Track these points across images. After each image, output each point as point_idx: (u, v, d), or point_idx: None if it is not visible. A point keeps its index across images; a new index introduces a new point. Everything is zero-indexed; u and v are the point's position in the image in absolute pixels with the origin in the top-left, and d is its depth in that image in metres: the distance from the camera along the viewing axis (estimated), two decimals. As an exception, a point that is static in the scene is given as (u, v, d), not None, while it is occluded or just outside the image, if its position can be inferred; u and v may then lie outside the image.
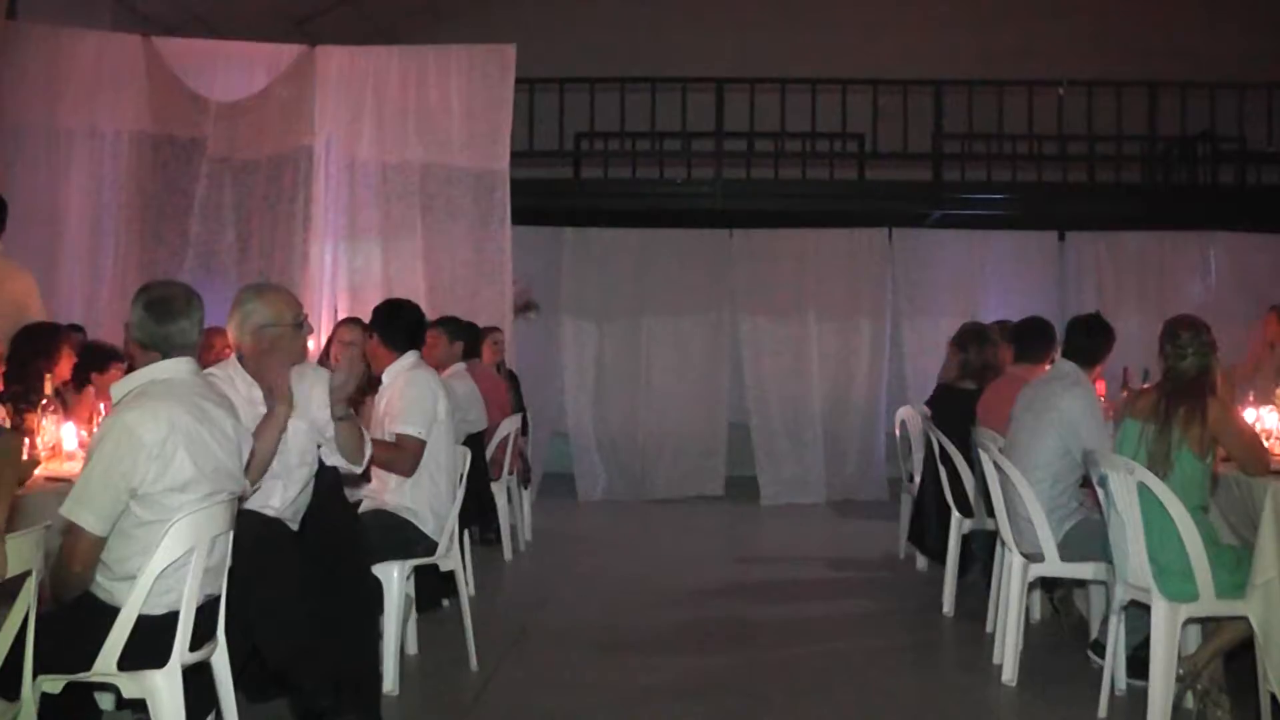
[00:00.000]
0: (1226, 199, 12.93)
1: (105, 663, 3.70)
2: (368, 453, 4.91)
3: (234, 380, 4.62)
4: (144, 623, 3.71)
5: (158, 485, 3.72)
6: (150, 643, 3.73)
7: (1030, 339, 7.00)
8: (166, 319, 3.93)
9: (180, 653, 3.78)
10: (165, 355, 3.95)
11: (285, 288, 5.09)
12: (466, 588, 6.32)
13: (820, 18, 14.96)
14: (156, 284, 4.13)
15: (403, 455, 5.54)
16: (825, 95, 12.74)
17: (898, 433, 8.93)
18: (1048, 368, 6.91)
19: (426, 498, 5.63)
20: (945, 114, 12.67)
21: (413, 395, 5.64)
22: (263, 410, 4.59)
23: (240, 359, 4.67)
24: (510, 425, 8.60)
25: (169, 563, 3.72)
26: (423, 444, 5.57)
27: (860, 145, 13.11)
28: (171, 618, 3.77)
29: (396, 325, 5.93)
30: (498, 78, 9.81)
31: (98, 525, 3.68)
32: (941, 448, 7.28)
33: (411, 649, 6.04)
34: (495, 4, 14.91)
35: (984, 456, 6.07)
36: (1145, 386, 6.00)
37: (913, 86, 12.61)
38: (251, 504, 4.47)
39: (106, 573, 3.78)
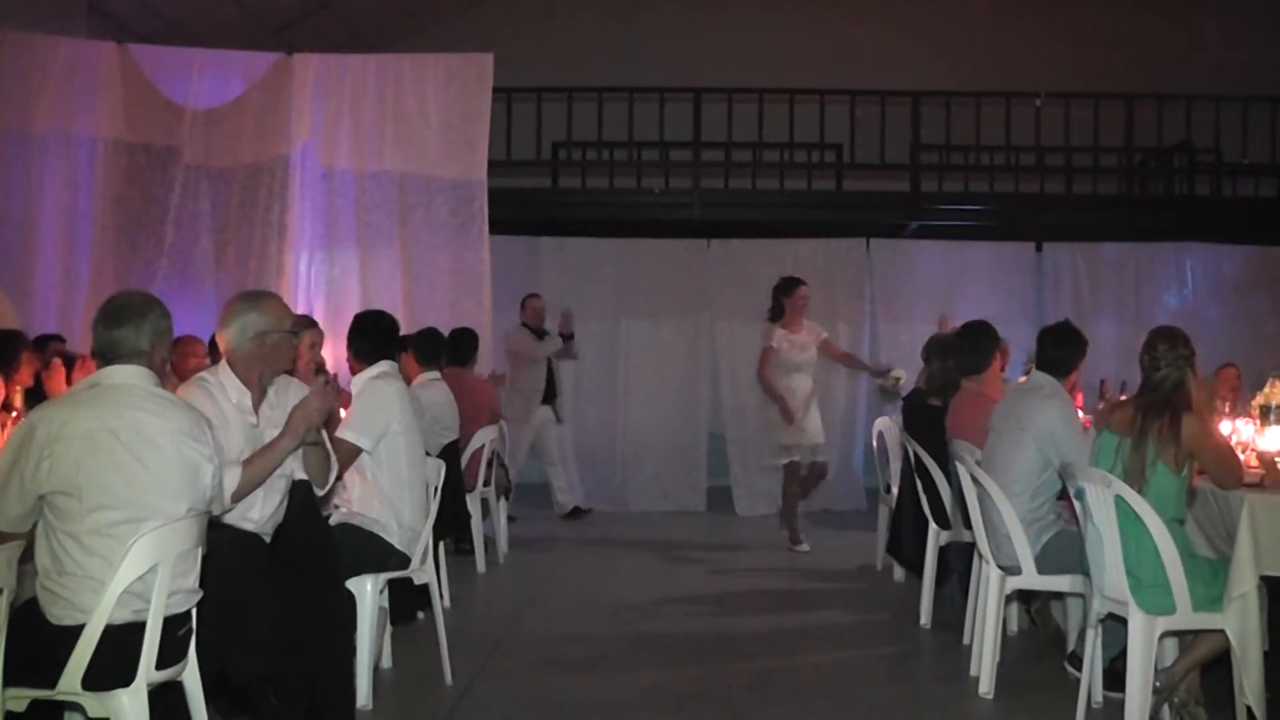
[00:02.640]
0: (1202, 210, 12.97)
1: (69, 681, 3.64)
2: (333, 475, 4.88)
3: (225, 387, 4.58)
4: (108, 634, 3.66)
5: (48, 485, 3.69)
6: (115, 659, 3.68)
7: (969, 350, 6.98)
8: (113, 326, 3.90)
9: (146, 670, 3.72)
10: (109, 362, 3.91)
11: (277, 294, 5.05)
12: (441, 600, 6.29)
13: (798, 28, 14.98)
14: (119, 293, 4.11)
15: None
16: (803, 105, 12.73)
17: (875, 444, 8.91)
18: (1017, 376, 6.92)
19: (390, 510, 5.60)
20: (923, 125, 12.67)
21: (360, 405, 5.64)
22: (252, 420, 4.58)
23: (231, 365, 4.62)
24: (485, 436, 8.57)
25: (132, 579, 3.67)
26: (356, 451, 5.54)
27: (838, 156, 13.09)
28: (134, 629, 3.72)
29: (361, 336, 5.97)
30: (475, 87, 9.79)
31: (8, 523, 3.71)
32: (917, 459, 7.27)
33: (385, 662, 5.99)
34: (473, 13, 14.89)
35: (961, 469, 6.06)
36: (1122, 398, 6.00)
37: (890, 97, 12.61)
38: (230, 517, 4.43)
39: (57, 589, 3.73)
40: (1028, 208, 12.92)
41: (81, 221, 9.58)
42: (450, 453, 7.55)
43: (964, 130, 12.68)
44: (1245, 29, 14.36)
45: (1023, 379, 7.08)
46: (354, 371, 5.93)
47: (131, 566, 3.65)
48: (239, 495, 4.29)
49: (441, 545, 7.36)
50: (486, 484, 8.78)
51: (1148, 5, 14.86)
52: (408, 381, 7.66)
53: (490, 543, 9.06)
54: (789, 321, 9.67)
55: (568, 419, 11.75)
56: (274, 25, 13.15)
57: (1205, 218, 12.87)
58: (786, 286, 9.75)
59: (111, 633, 3.66)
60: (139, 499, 3.76)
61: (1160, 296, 12.40)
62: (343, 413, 5.76)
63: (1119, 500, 4.74)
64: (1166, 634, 4.90)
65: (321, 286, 9.86)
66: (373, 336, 5.95)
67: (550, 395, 11.00)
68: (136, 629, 3.72)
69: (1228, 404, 6.93)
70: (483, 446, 8.55)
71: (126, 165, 9.58)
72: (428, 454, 6.41)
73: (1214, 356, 9.47)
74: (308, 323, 6.38)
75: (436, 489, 5.90)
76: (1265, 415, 5.64)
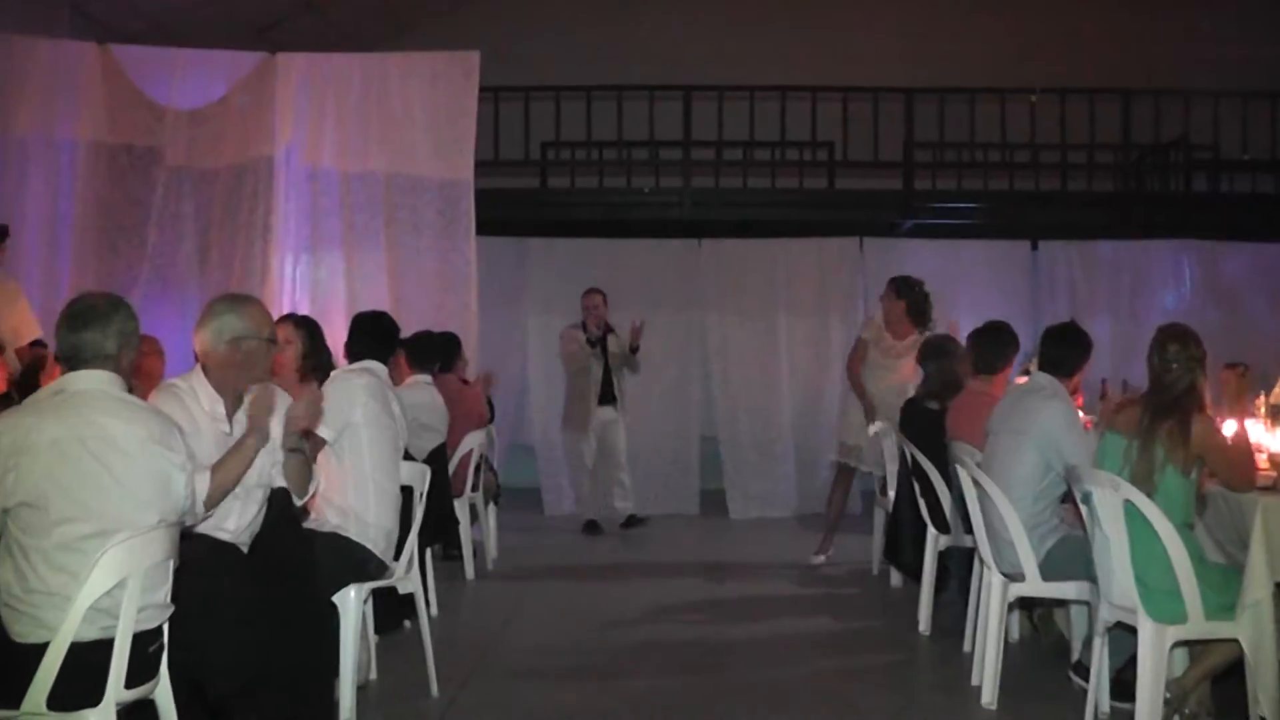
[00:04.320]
0: (1200, 207, 12.86)
1: (34, 702, 3.47)
2: (312, 487, 4.71)
3: (197, 392, 4.43)
4: (75, 652, 3.48)
5: (13, 498, 3.53)
6: (82, 678, 3.51)
7: (984, 349, 6.81)
8: (78, 329, 3.75)
9: (115, 690, 3.55)
10: (74, 367, 3.75)
11: (259, 300, 4.88)
12: (428, 608, 6.14)
13: (790, 25, 14.86)
14: (84, 294, 3.95)
15: None
16: (795, 103, 12.61)
17: (870, 445, 8.76)
18: (1014, 376, 6.79)
19: (353, 507, 5.39)
20: (916, 122, 12.55)
21: (327, 394, 5.46)
22: (225, 427, 4.42)
23: (205, 370, 4.47)
24: (473, 440, 8.43)
25: (100, 594, 3.50)
26: (320, 443, 5.36)
27: (830, 154, 12.98)
28: (102, 646, 3.55)
29: (353, 337, 5.89)
30: (462, 85, 9.63)
31: None
32: (915, 462, 7.13)
33: (370, 673, 5.83)
34: (460, 12, 14.76)
35: (962, 473, 5.91)
36: (1127, 398, 5.84)
37: (884, 94, 12.49)
38: (204, 527, 4.28)
39: (21, 606, 3.56)
40: (1023, 205, 12.81)
41: (62, 224, 9.40)
42: (437, 457, 7.43)
43: (958, 127, 12.56)
44: (1244, 23, 14.24)
45: (1020, 379, 6.95)
46: None
47: (99, 581, 3.48)
48: (211, 502, 4.12)
49: (429, 552, 7.24)
50: (475, 489, 8.65)
51: (1149, 2, 14.75)
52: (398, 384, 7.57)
53: (479, 548, 8.93)
54: (892, 324, 8.99)
55: (558, 421, 11.66)
56: (259, 26, 13.00)
57: (1203, 215, 12.76)
58: None
59: (78, 651, 3.49)
60: (108, 511, 3.59)
61: (1157, 295, 12.29)
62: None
63: (1128, 505, 4.59)
64: (1177, 644, 4.76)
65: (307, 288, 9.70)
66: (367, 337, 5.86)
67: (609, 397, 10.74)
68: (104, 646, 3.55)
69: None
70: (470, 451, 8.42)
71: (108, 167, 9.39)
72: (413, 459, 6.29)
73: (1212, 355, 9.32)
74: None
75: (422, 495, 5.74)
76: (1276, 416, 5.51)
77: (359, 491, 5.42)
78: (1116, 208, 12.93)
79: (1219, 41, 14.02)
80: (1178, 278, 12.37)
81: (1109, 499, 4.66)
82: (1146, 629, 4.61)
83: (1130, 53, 14.06)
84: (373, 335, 5.87)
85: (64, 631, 3.45)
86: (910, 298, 8.86)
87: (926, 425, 7.06)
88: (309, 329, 6.05)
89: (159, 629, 3.79)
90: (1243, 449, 5.07)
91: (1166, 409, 4.79)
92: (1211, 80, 12.61)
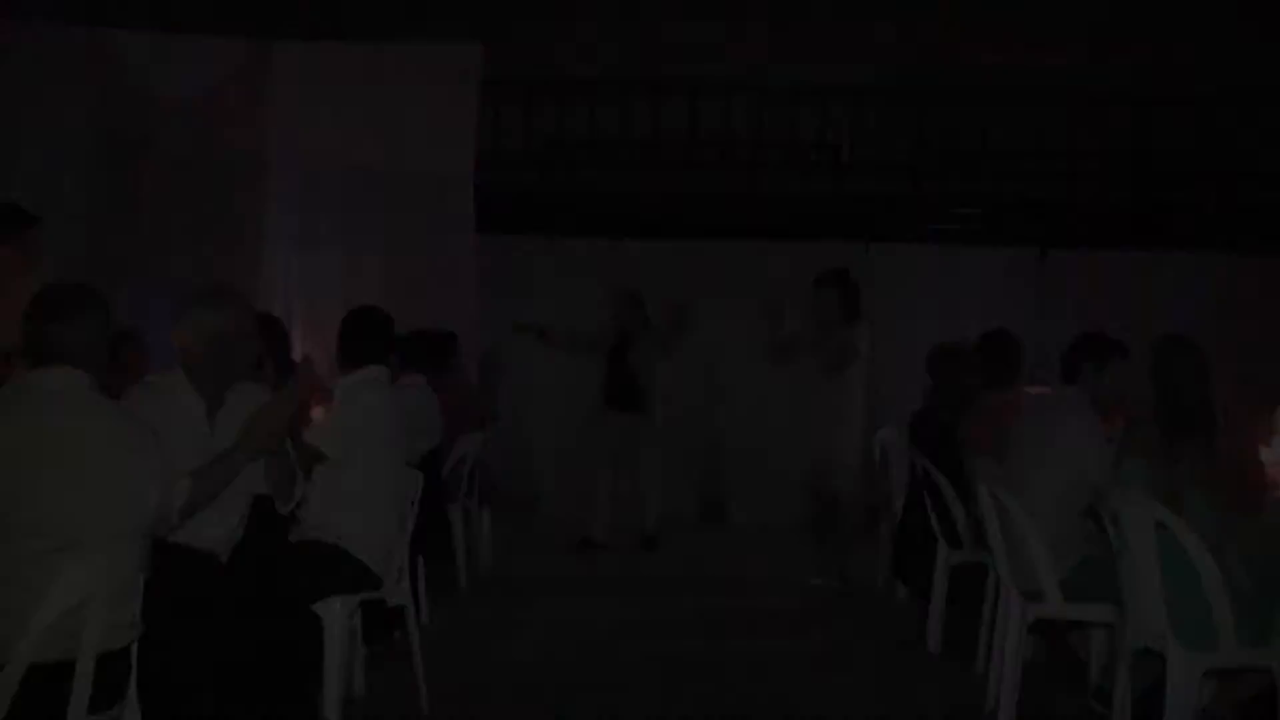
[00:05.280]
0: (1215, 219, 12.68)
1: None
2: (298, 494, 4.46)
3: (176, 393, 4.21)
4: (32, 675, 3.21)
5: None
6: (40, 704, 3.25)
7: (997, 361, 6.61)
8: (46, 320, 3.49)
9: (77, 716, 3.29)
10: (39, 364, 3.49)
11: (241, 296, 4.64)
12: (419, 619, 5.91)
13: (800, 24, 14.68)
14: (53, 284, 3.69)
15: None
16: (802, 104, 12.44)
17: (876, 454, 8.53)
18: (1028, 389, 6.60)
19: (357, 522, 5.12)
20: (926, 126, 12.38)
21: (341, 414, 5.22)
22: (205, 429, 4.19)
23: (185, 369, 4.25)
24: (469, 444, 8.21)
25: (58, 613, 3.23)
26: (322, 458, 5.09)
27: (837, 156, 12.81)
28: (63, 669, 3.29)
29: (347, 337, 5.52)
30: (462, 79, 9.49)
31: None
32: (925, 474, 6.90)
33: (357, 690, 5.59)
34: (464, 5, 14.57)
35: (981, 487, 5.68)
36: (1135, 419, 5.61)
37: (894, 96, 12.32)
38: (181, 535, 4.02)
39: None
40: (1033, 213, 12.64)
41: (49, 216, 9.21)
42: (430, 461, 7.21)
43: (969, 131, 12.37)
44: (1261, 34, 14.05)
45: (1033, 390, 6.75)
46: (342, 374, 5.48)
47: (59, 599, 3.22)
48: (187, 513, 3.87)
49: (420, 559, 7.02)
50: (469, 494, 8.42)
51: (1164, 4, 14.57)
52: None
53: (473, 554, 8.69)
54: (827, 320, 8.77)
55: (555, 423, 11.47)
56: (259, 14, 12.83)
57: (1216, 228, 12.57)
58: None
59: (36, 674, 3.22)
60: (71, 522, 3.34)
61: (1169, 309, 12.08)
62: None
63: (1158, 527, 4.36)
64: (1207, 673, 4.52)
65: (300, 286, 9.54)
66: (361, 337, 5.48)
67: (618, 399, 10.05)
68: (65, 669, 3.28)
69: None
70: (465, 455, 8.21)
71: (95, 156, 9.24)
72: (406, 464, 6.06)
73: (1227, 374, 9.13)
74: None
75: (414, 502, 5.50)
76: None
77: (369, 511, 5.17)
78: (1127, 218, 12.76)
79: (1240, 48, 13.85)
80: (1190, 292, 12.16)
81: (1139, 520, 4.43)
82: (1176, 657, 4.36)
83: (1145, 60, 13.88)
84: (368, 336, 5.51)
85: (19, 653, 3.19)
86: (842, 288, 8.69)
87: (938, 437, 6.84)
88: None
89: (127, 649, 3.54)
90: (1258, 472, 4.88)
91: (1185, 428, 4.58)
92: (1228, 91, 12.43)
